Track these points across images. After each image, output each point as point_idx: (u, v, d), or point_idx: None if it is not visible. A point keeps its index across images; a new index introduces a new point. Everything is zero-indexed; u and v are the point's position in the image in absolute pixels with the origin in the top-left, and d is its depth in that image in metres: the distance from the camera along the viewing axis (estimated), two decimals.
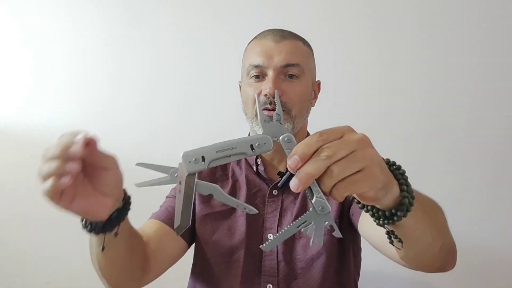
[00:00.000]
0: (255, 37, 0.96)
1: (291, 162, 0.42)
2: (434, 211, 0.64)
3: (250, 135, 1.00)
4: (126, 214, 0.62)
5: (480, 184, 1.49)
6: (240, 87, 0.99)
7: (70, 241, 1.66)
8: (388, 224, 0.52)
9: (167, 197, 0.99)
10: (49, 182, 0.48)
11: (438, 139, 1.51)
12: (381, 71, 1.53)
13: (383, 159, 0.50)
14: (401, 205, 0.50)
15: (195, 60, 1.62)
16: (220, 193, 0.48)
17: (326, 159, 0.41)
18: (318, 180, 0.43)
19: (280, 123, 0.46)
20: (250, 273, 0.89)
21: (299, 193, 0.91)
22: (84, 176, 0.53)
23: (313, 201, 0.45)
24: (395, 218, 0.50)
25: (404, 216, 0.50)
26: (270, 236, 0.90)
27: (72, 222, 1.68)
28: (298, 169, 0.42)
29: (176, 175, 0.47)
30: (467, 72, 1.50)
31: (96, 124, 1.65)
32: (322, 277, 0.87)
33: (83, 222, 0.60)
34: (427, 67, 1.52)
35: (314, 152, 0.42)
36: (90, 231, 0.60)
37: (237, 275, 0.89)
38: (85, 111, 1.67)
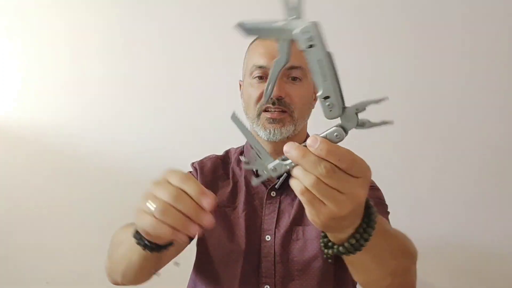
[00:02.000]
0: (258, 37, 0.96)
1: (311, 142, 0.42)
2: (392, 255, 0.61)
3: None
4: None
5: (479, 184, 1.50)
6: (240, 86, 0.98)
7: (70, 241, 1.67)
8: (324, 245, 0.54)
9: None
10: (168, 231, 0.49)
11: (436, 140, 1.51)
12: (380, 72, 1.53)
13: (370, 207, 0.50)
14: (337, 250, 0.51)
15: (201, 61, 1.62)
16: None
17: (318, 175, 0.42)
18: (297, 170, 0.43)
19: (358, 124, 0.45)
20: (248, 274, 0.90)
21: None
22: None
23: (277, 160, 0.46)
24: (325, 250, 0.52)
25: (339, 254, 0.51)
26: (268, 238, 0.90)
27: (72, 223, 1.69)
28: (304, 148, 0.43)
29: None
30: (467, 73, 1.50)
31: (96, 124, 1.65)
32: (319, 279, 0.87)
33: (139, 239, 0.60)
34: (426, 67, 1.52)
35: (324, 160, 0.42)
36: (145, 249, 0.60)
37: (236, 275, 0.90)
38: (84, 111, 1.67)
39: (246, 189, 0.95)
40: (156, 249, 0.60)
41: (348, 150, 0.42)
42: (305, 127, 0.98)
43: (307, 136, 1.01)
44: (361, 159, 0.43)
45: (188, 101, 1.63)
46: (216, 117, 1.58)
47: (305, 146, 0.43)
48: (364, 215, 0.50)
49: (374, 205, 0.85)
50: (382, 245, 0.55)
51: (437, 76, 1.51)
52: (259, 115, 0.89)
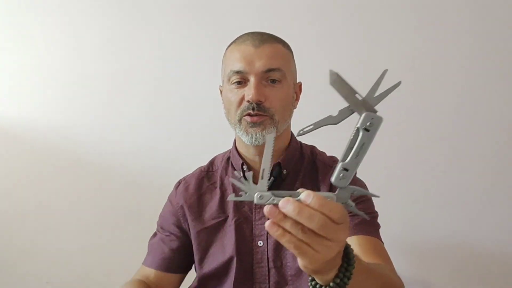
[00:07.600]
0: (234, 42, 0.93)
1: (305, 197, 0.46)
2: None
3: (236, 141, 0.98)
4: None
5: (479, 184, 1.49)
6: (221, 91, 0.97)
7: (70, 241, 1.67)
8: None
9: (150, 242, 1.02)
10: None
11: (436, 140, 1.50)
12: (370, 72, 1.50)
13: (347, 247, 0.53)
14: None
15: (201, 62, 1.61)
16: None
17: (312, 227, 0.45)
18: (291, 226, 0.47)
19: (346, 203, 0.50)
20: (242, 280, 0.90)
21: None
22: None
23: (270, 192, 0.50)
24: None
25: None
26: (260, 243, 0.90)
27: (71, 223, 1.69)
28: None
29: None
30: (467, 73, 1.48)
31: (95, 124, 1.65)
32: None
33: None
34: (426, 66, 1.50)
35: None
36: None
37: (230, 282, 0.91)
38: (83, 111, 1.67)
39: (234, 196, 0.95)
40: None
41: (336, 203, 0.47)
42: (288, 127, 0.96)
43: (292, 135, 0.99)
44: (342, 207, 0.48)
45: (188, 102, 1.61)
46: (216, 117, 1.57)
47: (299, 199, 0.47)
48: (343, 254, 0.54)
49: (371, 219, 0.88)
50: (365, 283, 0.60)
51: (436, 76, 1.49)
52: (240, 120, 0.88)
